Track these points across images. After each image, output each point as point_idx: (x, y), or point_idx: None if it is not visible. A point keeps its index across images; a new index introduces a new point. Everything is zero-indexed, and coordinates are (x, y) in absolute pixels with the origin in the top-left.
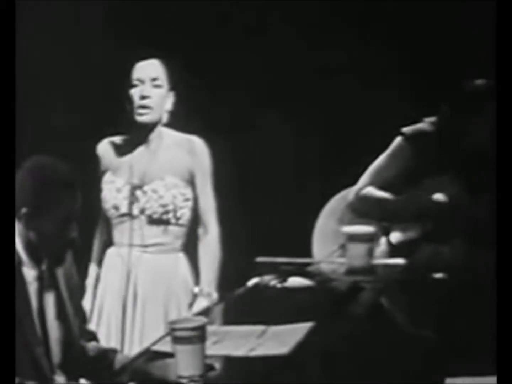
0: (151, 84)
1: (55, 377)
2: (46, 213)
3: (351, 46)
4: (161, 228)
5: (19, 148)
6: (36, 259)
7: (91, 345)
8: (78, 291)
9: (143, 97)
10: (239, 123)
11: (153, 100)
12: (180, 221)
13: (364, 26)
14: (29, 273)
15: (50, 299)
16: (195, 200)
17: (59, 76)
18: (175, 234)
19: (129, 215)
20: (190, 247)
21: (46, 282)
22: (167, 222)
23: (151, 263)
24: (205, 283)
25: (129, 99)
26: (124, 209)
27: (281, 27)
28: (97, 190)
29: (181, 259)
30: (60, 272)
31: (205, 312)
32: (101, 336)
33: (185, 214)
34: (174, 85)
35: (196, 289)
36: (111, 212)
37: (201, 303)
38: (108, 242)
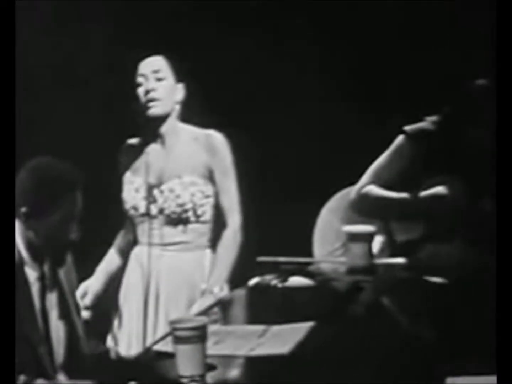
0: (154, 78)
1: (58, 377)
2: (45, 214)
3: (352, 47)
4: (181, 227)
5: (19, 148)
6: (37, 259)
7: (92, 343)
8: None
9: (148, 92)
10: (239, 121)
11: (159, 92)
12: (202, 218)
13: (365, 27)
14: (31, 273)
15: (52, 299)
16: (216, 195)
17: (60, 76)
18: (198, 231)
19: (148, 215)
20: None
21: (48, 282)
22: (186, 221)
23: (172, 262)
24: (215, 277)
25: (137, 99)
26: (142, 209)
27: (292, 22)
28: (105, 190)
29: (208, 255)
30: (62, 273)
31: (206, 311)
32: (123, 337)
33: (207, 211)
34: (182, 78)
35: (203, 286)
36: (132, 213)
37: (205, 301)
38: (132, 242)
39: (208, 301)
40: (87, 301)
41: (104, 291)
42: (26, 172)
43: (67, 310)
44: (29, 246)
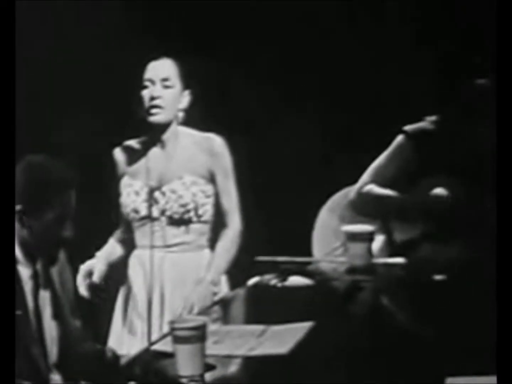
0: (161, 85)
1: (52, 377)
2: (37, 212)
3: (351, 46)
4: (183, 227)
5: (19, 148)
6: (30, 258)
7: (88, 344)
8: (72, 290)
9: (153, 98)
10: (239, 125)
11: (164, 100)
12: (203, 218)
13: (364, 27)
14: (24, 272)
15: (46, 298)
16: (217, 195)
17: (62, 76)
18: (199, 231)
19: (149, 217)
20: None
21: (41, 281)
22: (188, 221)
23: (176, 262)
24: (214, 269)
25: (140, 101)
26: (144, 212)
27: (295, 30)
28: (100, 189)
29: (206, 255)
30: (54, 271)
31: (205, 311)
32: (127, 339)
33: (208, 210)
34: (189, 84)
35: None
36: (132, 216)
37: (202, 290)
38: (130, 245)
39: (204, 290)
40: (96, 278)
41: (106, 275)
42: (20, 170)
43: (60, 309)
44: (23, 244)
